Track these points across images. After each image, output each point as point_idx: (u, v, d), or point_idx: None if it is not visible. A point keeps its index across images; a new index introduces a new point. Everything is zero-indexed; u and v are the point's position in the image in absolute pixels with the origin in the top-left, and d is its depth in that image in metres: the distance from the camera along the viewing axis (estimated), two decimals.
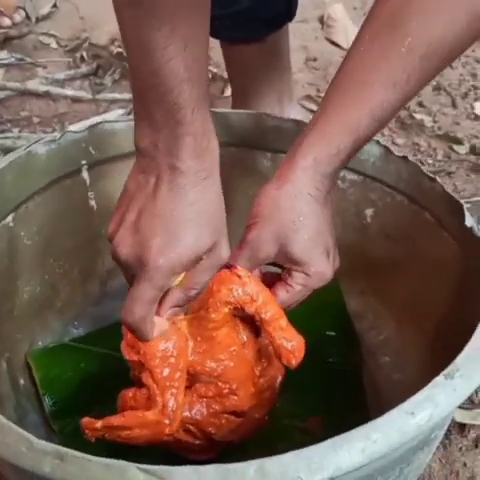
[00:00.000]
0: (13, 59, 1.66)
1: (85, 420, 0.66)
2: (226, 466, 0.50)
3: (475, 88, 1.58)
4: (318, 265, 0.67)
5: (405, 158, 0.81)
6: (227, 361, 0.67)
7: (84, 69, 1.63)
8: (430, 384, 0.55)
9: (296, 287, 0.68)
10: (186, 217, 0.60)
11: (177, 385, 0.66)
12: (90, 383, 0.84)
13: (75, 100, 1.54)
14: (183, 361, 0.66)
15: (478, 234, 0.70)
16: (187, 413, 0.67)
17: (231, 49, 1.19)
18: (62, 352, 0.87)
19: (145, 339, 0.64)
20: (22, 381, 0.83)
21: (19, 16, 1.80)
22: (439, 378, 0.56)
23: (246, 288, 0.66)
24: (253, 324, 0.70)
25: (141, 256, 0.60)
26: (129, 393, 0.68)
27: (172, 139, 0.59)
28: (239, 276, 0.66)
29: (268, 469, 0.50)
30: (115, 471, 0.50)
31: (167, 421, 0.65)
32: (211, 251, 0.62)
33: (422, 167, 0.78)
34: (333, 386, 0.86)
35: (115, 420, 0.65)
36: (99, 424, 0.65)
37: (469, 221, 0.71)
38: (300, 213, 0.66)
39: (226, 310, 0.66)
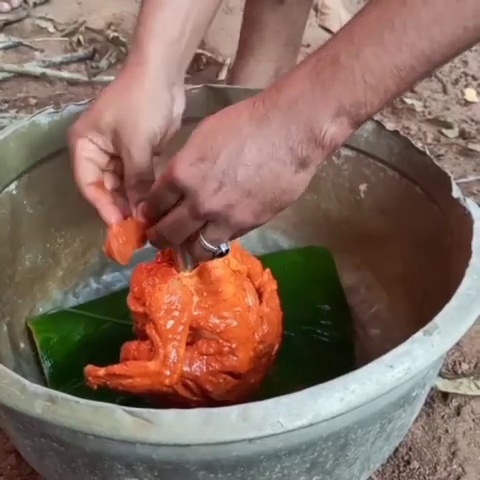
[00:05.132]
0: (11, 42, 1.69)
1: (88, 367, 0.68)
2: (209, 410, 0.52)
3: (466, 75, 1.60)
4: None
5: (396, 132, 0.83)
6: (230, 320, 0.70)
7: (81, 53, 1.66)
8: (409, 339, 0.57)
9: None
10: None
11: (179, 338, 0.68)
12: (89, 348, 0.86)
13: (71, 83, 1.56)
14: (187, 316, 0.68)
15: (464, 204, 0.71)
16: (187, 368, 0.69)
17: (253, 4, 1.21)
18: (62, 318, 0.89)
19: None
20: (22, 345, 0.85)
21: (17, 0, 1.84)
22: (418, 334, 0.57)
23: None
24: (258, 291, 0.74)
25: None
26: (132, 345, 0.70)
27: None
28: None
29: (250, 414, 0.52)
30: (103, 413, 0.52)
31: (168, 372, 0.67)
32: None
33: (412, 141, 0.80)
34: (325, 357, 0.87)
35: (117, 369, 0.67)
36: (102, 372, 0.67)
37: (456, 192, 0.73)
38: None
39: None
